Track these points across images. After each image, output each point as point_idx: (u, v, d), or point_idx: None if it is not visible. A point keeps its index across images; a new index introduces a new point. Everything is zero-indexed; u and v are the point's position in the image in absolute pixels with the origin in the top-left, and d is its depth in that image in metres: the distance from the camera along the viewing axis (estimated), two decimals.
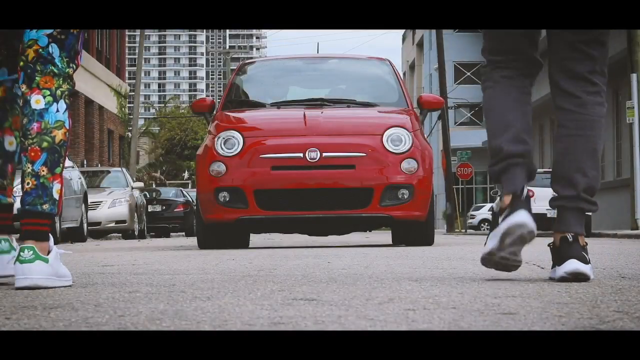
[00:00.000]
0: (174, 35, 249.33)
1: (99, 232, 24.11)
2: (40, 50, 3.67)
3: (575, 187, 3.69)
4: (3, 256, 3.80)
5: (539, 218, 20.89)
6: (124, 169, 27.37)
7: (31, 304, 2.93)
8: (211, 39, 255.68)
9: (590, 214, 3.69)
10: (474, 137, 53.32)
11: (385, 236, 19.30)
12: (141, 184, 27.74)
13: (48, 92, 3.63)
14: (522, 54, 3.89)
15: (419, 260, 5.95)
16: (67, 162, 17.84)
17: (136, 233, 24.72)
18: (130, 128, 44.82)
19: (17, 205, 4.10)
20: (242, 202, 9.88)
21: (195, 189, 13.73)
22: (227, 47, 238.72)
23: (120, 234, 25.64)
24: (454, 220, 40.57)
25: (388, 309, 2.63)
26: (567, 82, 3.81)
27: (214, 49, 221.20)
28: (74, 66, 3.73)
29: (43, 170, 3.59)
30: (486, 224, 46.29)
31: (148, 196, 32.14)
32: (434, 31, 54.03)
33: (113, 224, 23.79)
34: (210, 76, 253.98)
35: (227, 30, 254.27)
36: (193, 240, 16.59)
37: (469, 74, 60.93)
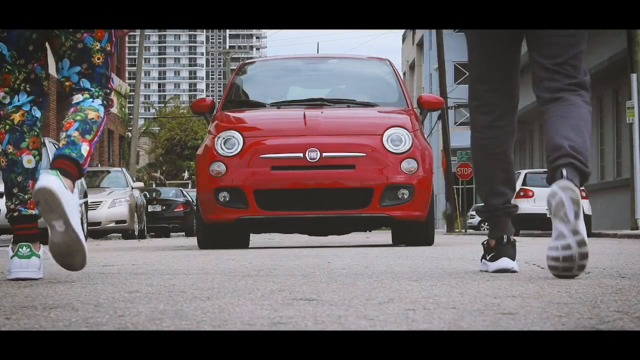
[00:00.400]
0: (174, 35, 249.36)
1: (99, 232, 24.11)
2: (74, 85, 4.22)
3: (561, 149, 3.94)
4: (24, 261, 4.13)
5: (539, 218, 20.94)
6: (124, 169, 27.37)
7: (31, 304, 2.93)
8: (211, 39, 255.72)
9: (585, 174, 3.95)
10: None
11: (385, 236, 19.30)
12: (141, 184, 27.74)
13: (88, 94, 4.22)
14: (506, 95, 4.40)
15: (419, 260, 5.95)
16: None
17: (136, 233, 24.72)
18: (130, 128, 44.82)
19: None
20: (242, 202, 9.88)
21: (195, 189, 13.73)
22: (227, 47, 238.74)
23: (120, 234, 25.64)
24: (454, 220, 40.57)
25: (388, 309, 2.63)
26: (547, 94, 4.18)
27: (214, 49, 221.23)
28: (107, 90, 4.27)
29: (75, 134, 4.05)
30: (486, 224, 46.31)
31: (148, 196, 32.14)
32: (434, 31, 54.04)
33: (113, 224, 23.79)
34: (210, 76, 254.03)
35: (227, 30, 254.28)
36: (193, 240, 16.59)
37: (469, 74, 60.94)
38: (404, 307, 2.68)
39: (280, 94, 11.51)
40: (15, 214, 4.24)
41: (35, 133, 4.29)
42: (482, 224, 46.67)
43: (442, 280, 3.84)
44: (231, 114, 10.66)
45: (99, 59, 4.27)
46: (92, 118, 4.11)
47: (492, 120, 4.35)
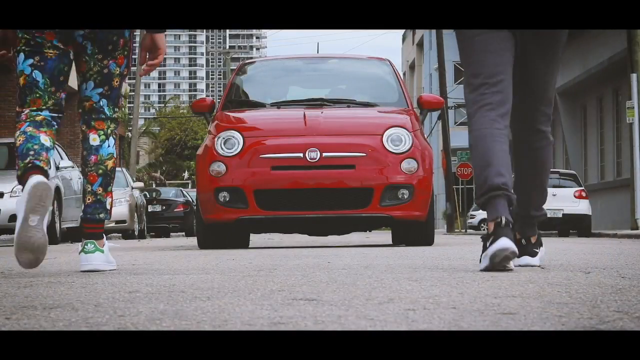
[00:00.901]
0: (174, 35, 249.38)
1: None
2: (94, 104, 4.99)
3: (530, 203, 4.95)
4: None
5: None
6: (124, 169, 27.36)
7: (31, 304, 2.93)
8: (211, 39, 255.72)
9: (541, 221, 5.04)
10: None
11: (385, 236, 19.30)
12: (141, 184, 27.73)
13: (102, 132, 4.99)
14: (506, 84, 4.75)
15: (419, 260, 5.95)
16: (67, 162, 17.92)
17: (136, 233, 24.72)
18: (130, 128, 44.73)
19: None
20: (242, 202, 9.88)
21: (195, 189, 13.73)
22: (227, 47, 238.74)
23: (120, 234, 25.64)
24: (454, 220, 40.58)
25: (388, 309, 2.63)
26: (527, 133, 4.92)
27: (214, 49, 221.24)
28: (117, 109, 5.09)
29: (99, 190, 5.00)
30: (486, 223, 46.25)
31: (148, 196, 32.15)
32: (434, 31, 54.02)
33: (113, 224, 23.79)
34: (210, 76, 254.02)
35: (227, 30, 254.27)
36: (193, 240, 16.59)
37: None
38: (404, 307, 2.68)
39: (280, 94, 11.51)
40: (30, 165, 4.80)
41: (53, 130, 4.88)
42: (482, 224, 46.68)
43: (442, 280, 3.84)
44: (231, 114, 10.66)
45: (117, 82, 5.00)
46: (111, 167, 5.02)
47: (496, 114, 4.66)
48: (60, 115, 4.92)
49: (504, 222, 4.44)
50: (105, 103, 4.98)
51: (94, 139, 4.97)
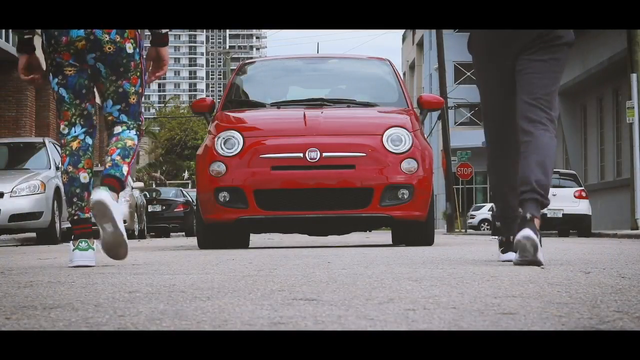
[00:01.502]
0: (174, 35, 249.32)
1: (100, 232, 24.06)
2: (115, 119, 5.69)
3: (529, 183, 5.24)
4: (84, 252, 5.46)
5: None
6: None
7: (31, 304, 2.93)
8: (211, 39, 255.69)
9: (545, 209, 5.33)
10: (474, 137, 53.31)
11: (385, 236, 19.30)
12: (141, 184, 27.70)
13: (125, 126, 5.69)
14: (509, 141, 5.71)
15: (419, 260, 5.95)
16: None
17: (136, 233, 24.71)
18: None
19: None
20: (242, 202, 9.88)
21: (195, 189, 13.73)
22: (227, 47, 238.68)
23: None
24: (454, 220, 40.57)
25: (388, 309, 2.63)
26: (526, 123, 5.39)
27: (214, 49, 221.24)
28: (139, 122, 5.76)
29: (117, 158, 5.51)
30: (486, 223, 46.31)
31: (148, 196, 32.13)
32: (434, 31, 54.03)
33: None
34: (210, 76, 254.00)
35: (227, 30, 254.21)
36: (193, 240, 16.59)
37: (469, 74, 60.94)
38: (404, 307, 2.68)
39: (280, 94, 11.51)
40: (75, 217, 5.59)
41: (89, 156, 5.66)
42: (482, 224, 46.69)
43: (442, 280, 3.84)
44: (231, 114, 10.66)
45: (133, 99, 5.70)
46: (130, 145, 5.59)
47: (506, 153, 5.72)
48: (91, 130, 5.72)
49: (512, 239, 5.40)
50: (125, 118, 5.70)
51: (117, 130, 5.67)
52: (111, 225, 5.26)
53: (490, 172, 5.76)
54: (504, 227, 5.65)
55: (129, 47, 5.63)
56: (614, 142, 31.73)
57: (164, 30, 5.61)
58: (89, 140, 5.70)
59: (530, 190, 5.21)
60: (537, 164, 5.25)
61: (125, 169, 5.49)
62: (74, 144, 5.66)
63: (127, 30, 5.55)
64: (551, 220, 24.95)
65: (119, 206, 5.33)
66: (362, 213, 9.92)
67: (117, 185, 5.40)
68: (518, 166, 5.42)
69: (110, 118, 5.71)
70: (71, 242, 5.57)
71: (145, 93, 6.57)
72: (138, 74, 5.66)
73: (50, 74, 5.71)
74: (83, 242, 5.49)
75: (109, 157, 5.52)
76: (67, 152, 5.67)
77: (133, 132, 5.70)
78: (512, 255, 5.40)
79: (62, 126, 5.69)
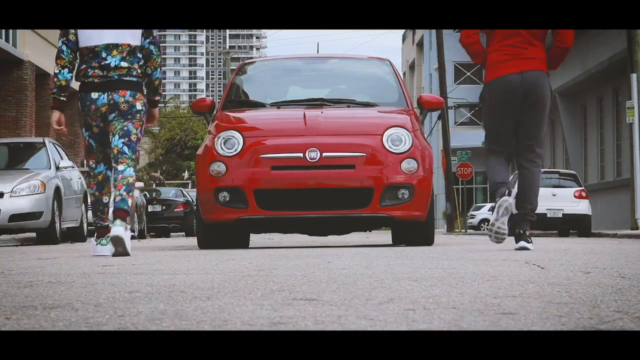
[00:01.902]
0: (174, 35, 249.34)
1: None
2: (119, 149, 7.82)
3: (526, 208, 8.26)
4: (104, 247, 7.89)
5: (539, 218, 21.58)
6: None
7: (31, 304, 2.93)
8: (211, 39, 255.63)
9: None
10: (474, 137, 53.31)
11: (385, 236, 19.30)
12: (141, 184, 27.71)
13: (126, 164, 7.81)
14: (507, 146, 8.37)
15: (419, 260, 5.95)
16: (67, 162, 17.94)
17: (136, 233, 24.71)
18: None
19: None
20: (242, 202, 9.88)
21: (195, 189, 13.72)
22: (227, 47, 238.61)
23: None
24: (454, 220, 40.57)
25: (388, 309, 2.63)
26: (524, 161, 8.32)
27: (214, 49, 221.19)
28: (135, 155, 7.93)
29: (124, 194, 7.72)
30: (486, 223, 46.29)
31: (148, 196, 32.13)
32: (434, 31, 54.02)
33: None
34: (210, 76, 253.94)
35: (227, 30, 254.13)
36: (193, 240, 16.59)
37: (469, 74, 60.95)
38: (404, 307, 2.68)
39: (280, 94, 11.50)
40: (99, 225, 8.12)
41: (108, 185, 8.08)
42: (482, 224, 46.70)
43: (442, 280, 3.84)
44: (231, 114, 10.65)
45: (134, 137, 7.88)
46: (131, 182, 7.81)
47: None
48: (109, 163, 8.03)
49: (522, 231, 8.20)
50: (126, 149, 7.82)
51: (120, 166, 7.80)
52: (123, 249, 7.42)
53: (488, 166, 8.42)
54: (496, 193, 8.16)
55: (138, 105, 7.82)
56: (614, 142, 31.73)
57: (156, 97, 8.11)
58: (109, 173, 8.08)
59: (526, 213, 8.19)
60: (532, 192, 8.23)
61: (130, 201, 7.74)
62: (100, 177, 8.12)
63: (138, 93, 7.80)
64: (551, 220, 24.94)
65: (128, 233, 7.53)
66: (362, 213, 9.92)
67: (126, 215, 7.61)
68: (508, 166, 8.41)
69: (115, 150, 7.81)
70: (94, 239, 8.06)
71: None
72: (140, 122, 7.88)
73: (83, 128, 7.95)
74: (104, 240, 7.92)
75: (118, 192, 7.70)
76: (95, 182, 8.15)
77: (132, 169, 7.81)
78: (523, 243, 8.03)
79: (91, 162, 8.07)
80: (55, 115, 7.92)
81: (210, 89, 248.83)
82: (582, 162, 35.29)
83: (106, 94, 7.70)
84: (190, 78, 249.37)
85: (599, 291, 3.22)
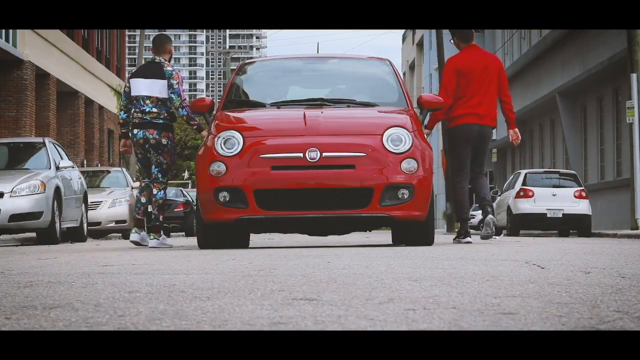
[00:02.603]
0: (174, 35, 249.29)
1: (99, 232, 24.12)
2: (155, 174, 11.30)
3: (485, 200, 11.90)
4: (153, 240, 10.92)
5: (539, 218, 22.22)
6: (124, 169, 27.37)
7: (31, 304, 2.93)
8: (211, 39, 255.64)
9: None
10: None
11: (385, 236, 19.30)
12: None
13: (159, 188, 11.33)
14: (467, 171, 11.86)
15: (419, 260, 5.95)
16: (67, 162, 17.95)
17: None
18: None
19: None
20: (242, 202, 9.88)
21: (195, 189, 13.72)
22: (227, 47, 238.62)
23: (120, 234, 25.65)
24: (454, 220, 40.54)
25: (388, 309, 2.63)
26: (477, 168, 12.04)
27: (214, 49, 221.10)
28: (166, 178, 11.47)
29: (156, 212, 11.24)
30: (486, 224, 46.20)
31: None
32: (434, 31, 54.01)
33: (113, 224, 23.80)
34: (210, 76, 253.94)
35: (227, 30, 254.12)
36: (193, 240, 16.59)
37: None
38: (404, 307, 2.68)
39: (280, 94, 11.50)
40: (135, 218, 11.36)
41: (147, 190, 11.30)
42: (482, 224, 46.63)
43: (442, 280, 3.84)
44: (231, 114, 10.65)
45: (164, 165, 11.29)
46: (161, 203, 11.15)
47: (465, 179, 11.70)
48: (150, 177, 11.34)
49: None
50: (160, 176, 11.29)
51: (154, 190, 11.25)
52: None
53: (457, 190, 12.16)
54: (463, 224, 12.13)
55: (164, 141, 11.23)
56: (614, 142, 31.73)
57: (193, 126, 11.43)
58: (150, 184, 11.28)
59: (487, 202, 11.83)
60: (486, 189, 12.00)
61: (160, 218, 11.20)
62: (143, 184, 11.43)
63: (163, 132, 11.23)
64: (551, 220, 24.95)
65: (155, 241, 10.98)
66: (362, 213, 9.92)
67: (158, 231, 11.10)
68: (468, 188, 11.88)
69: (153, 176, 11.24)
70: (143, 234, 11.36)
71: None
72: (169, 154, 11.26)
73: (134, 153, 11.36)
74: (151, 235, 11.09)
75: (152, 211, 11.09)
76: (139, 187, 11.54)
77: (162, 192, 11.30)
78: (469, 239, 11.63)
79: (138, 174, 10.24)
80: (123, 142, 11.62)
81: (210, 89, 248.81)
82: (582, 162, 35.29)
83: (142, 131, 11.17)
84: (190, 78, 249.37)
85: (599, 291, 3.22)
